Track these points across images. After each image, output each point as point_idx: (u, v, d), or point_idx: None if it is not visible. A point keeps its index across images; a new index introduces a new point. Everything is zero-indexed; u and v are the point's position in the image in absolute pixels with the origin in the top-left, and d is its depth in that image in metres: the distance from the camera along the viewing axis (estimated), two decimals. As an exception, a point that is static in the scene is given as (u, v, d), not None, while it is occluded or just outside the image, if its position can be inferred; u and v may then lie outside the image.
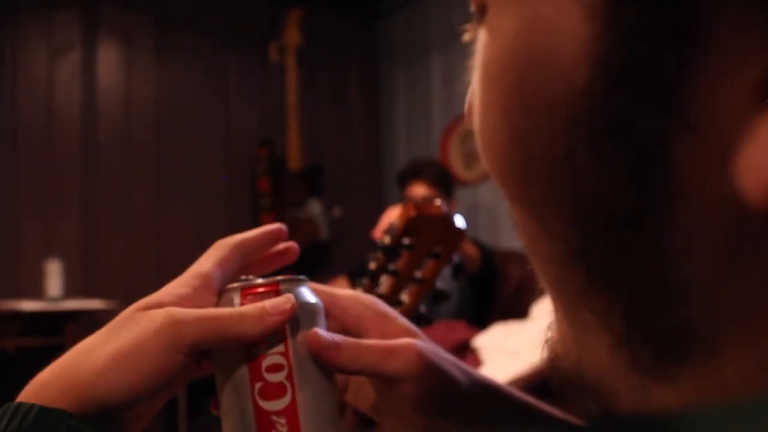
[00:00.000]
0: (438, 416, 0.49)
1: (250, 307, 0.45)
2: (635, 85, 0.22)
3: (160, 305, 0.47)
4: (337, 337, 0.47)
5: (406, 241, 0.82)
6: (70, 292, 3.77)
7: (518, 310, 2.79)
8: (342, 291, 0.54)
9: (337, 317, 0.53)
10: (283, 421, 0.44)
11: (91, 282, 3.94)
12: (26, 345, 3.52)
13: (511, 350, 2.30)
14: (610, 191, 0.24)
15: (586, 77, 0.23)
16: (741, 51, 0.20)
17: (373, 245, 0.91)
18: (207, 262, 0.50)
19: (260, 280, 0.48)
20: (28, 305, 3.48)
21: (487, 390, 0.51)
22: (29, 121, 3.91)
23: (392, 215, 2.26)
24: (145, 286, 3.43)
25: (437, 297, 0.85)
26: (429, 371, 0.48)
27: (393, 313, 0.54)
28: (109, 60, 4.13)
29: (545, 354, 0.32)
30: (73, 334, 3.56)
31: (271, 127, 4.32)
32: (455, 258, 0.87)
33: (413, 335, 0.52)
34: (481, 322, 2.75)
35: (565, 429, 0.17)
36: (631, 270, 0.25)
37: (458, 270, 0.87)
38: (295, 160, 4.09)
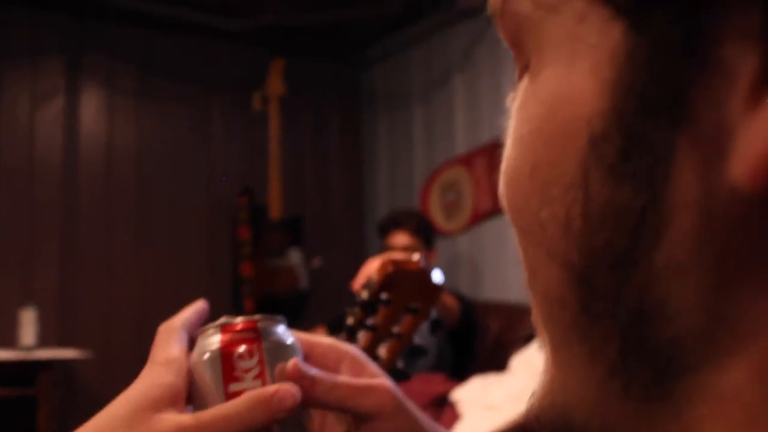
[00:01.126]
0: None
1: (254, 407, 0.46)
2: (648, 108, 0.25)
3: (158, 402, 0.46)
4: (314, 370, 0.49)
5: (383, 296, 0.82)
6: (44, 341, 3.71)
7: (497, 363, 2.78)
8: (321, 338, 0.56)
9: (315, 363, 0.53)
10: None
11: (66, 330, 3.89)
12: (-2, 394, 3.45)
13: (490, 403, 2.28)
14: (619, 206, 0.26)
15: (605, 107, 0.26)
16: (736, 66, 0.23)
17: (352, 297, 0.90)
18: (172, 347, 0.51)
19: (239, 319, 0.49)
20: (1, 354, 3.42)
21: None
22: (10, 166, 3.89)
23: (371, 267, 2.25)
24: (122, 335, 3.38)
25: (415, 352, 0.84)
26: (399, 412, 0.50)
27: (370, 362, 0.55)
28: (91, 106, 4.14)
29: (529, 410, 0.33)
30: (45, 385, 3.50)
31: (253, 176, 4.32)
32: (433, 313, 0.86)
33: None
34: (460, 375, 2.73)
35: None
36: (630, 288, 0.26)
37: (436, 325, 0.87)
38: (275, 209, 4.09)
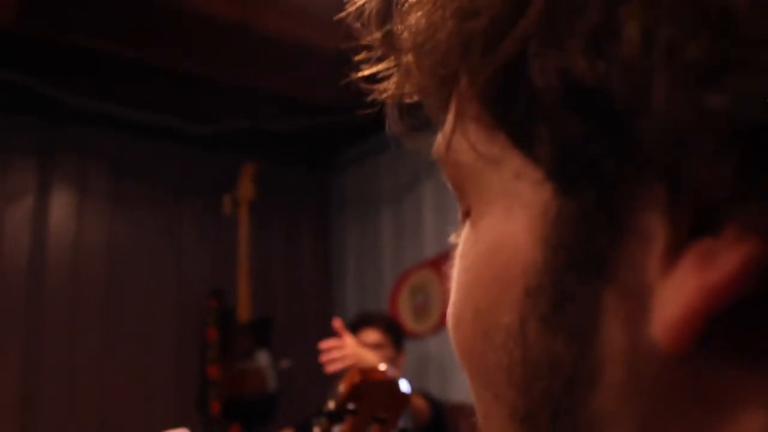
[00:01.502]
0: None
1: None
2: (576, 265, 0.26)
3: None
4: None
5: (350, 405, 0.83)
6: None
7: (468, 468, 2.74)
8: None
9: None
10: None
11: (26, 436, 3.77)
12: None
13: None
14: (554, 357, 0.27)
15: (538, 261, 0.28)
16: (651, 233, 0.24)
17: (321, 399, 0.91)
18: None
19: None
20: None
21: None
22: (-25, 267, 3.85)
23: (347, 341, 2.24)
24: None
25: (382, 462, 0.85)
26: None
27: None
28: (61, 206, 4.13)
29: None
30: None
31: (222, 277, 4.31)
32: (401, 422, 0.87)
33: None
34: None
35: None
36: (573, 431, 0.27)
37: (403, 434, 0.88)
38: (244, 311, 4.07)
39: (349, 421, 0.84)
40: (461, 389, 3.72)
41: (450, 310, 0.34)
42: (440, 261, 3.86)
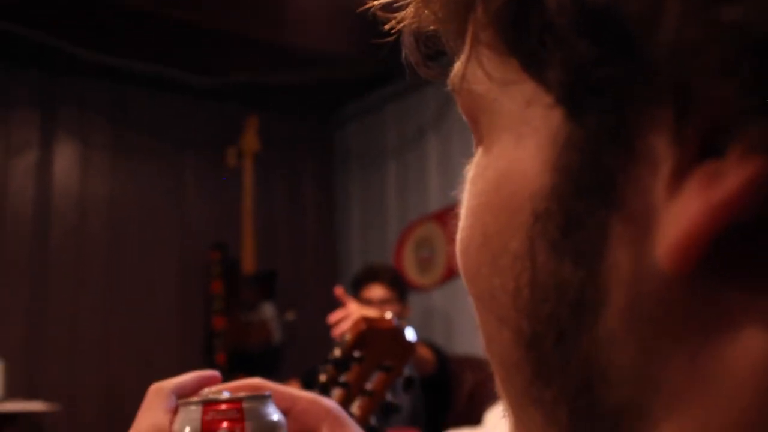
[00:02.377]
0: None
1: None
2: (583, 190, 0.27)
3: None
4: None
5: (356, 353, 0.83)
6: (11, 393, 3.64)
7: (472, 417, 2.77)
8: (302, 394, 0.55)
9: (296, 419, 0.54)
10: None
11: (33, 383, 3.82)
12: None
13: (464, 460, 2.27)
14: (561, 280, 0.27)
15: (546, 186, 0.28)
16: (658, 156, 0.25)
17: (326, 350, 0.91)
18: (159, 413, 0.50)
19: (224, 395, 0.48)
20: (-33, 409, 3.36)
21: None
22: (-20, 220, 3.86)
23: (352, 308, 2.26)
24: (89, 388, 3.34)
25: (387, 410, 0.85)
26: None
27: (350, 421, 0.56)
28: (65, 159, 4.13)
29: None
30: (12, 440, 3.43)
31: (226, 231, 4.32)
32: (406, 370, 0.87)
33: None
34: (435, 429, 2.72)
35: None
36: (575, 357, 0.27)
37: (409, 383, 0.88)
38: (249, 263, 4.09)
39: (355, 369, 0.84)
40: (466, 342, 3.76)
41: (459, 236, 0.34)
42: (445, 214, 3.86)
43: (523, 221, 0.29)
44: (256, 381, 0.54)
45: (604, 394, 0.27)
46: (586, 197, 0.27)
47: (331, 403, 0.56)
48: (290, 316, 4.22)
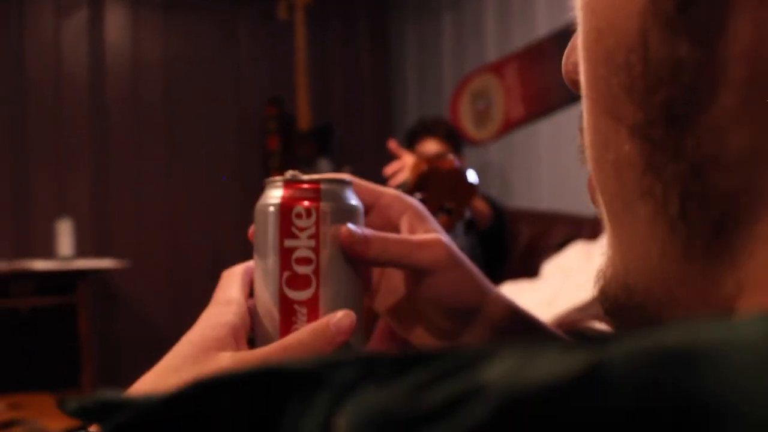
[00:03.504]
0: (458, 316, 0.53)
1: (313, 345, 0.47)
2: None
3: (219, 341, 0.47)
4: (368, 231, 0.50)
5: (418, 196, 0.82)
6: (81, 251, 3.79)
7: (529, 269, 2.79)
8: (386, 189, 0.57)
9: (380, 213, 0.56)
10: (304, 311, 0.48)
11: (102, 241, 3.96)
12: (39, 304, 3.55)
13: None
14: (676, 62, 0.26)
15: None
16: None
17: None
18: (232, 289, 0.52)
19: (305, 177, 0.50)
20: (40, 264, 3.51)
21: (505, 301, 0.56)
22: (37, 80, 3.90)
23: (406, 159, 2.25)
24: (155, 244, 3.46)
25: (449, 252, 0.84)
26: (455, 265, 0.52)
27: (431, 218, 0.57)
28: (116, 19, 4.10)
29: (595, 285, 0.34)
30: (84, 293, 3.59)
31: (281, 86, 4.30)
32: (467, 213, 0.86)
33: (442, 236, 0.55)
34: (492, 281, 2.75)
35: (579, 343, 0.17)
36: (688, 142, 0.27)
37: (470, 226, 0.87)
38: (304, 118, 4.08)
39: (417, 212, 0.83)
40: (522, 196, 3.75)
41: (579, 39, 0.33)
42: (503, 65, 3.76)
43: (638, 6, 0.28)
44: (344, 174, 0.55)
45: (716, 179, 0.27)
46: None
47: (412, 200, 0.57)
48: (347, 171, 4.23)
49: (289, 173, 0.51)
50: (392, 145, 2.32)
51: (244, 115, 4.34)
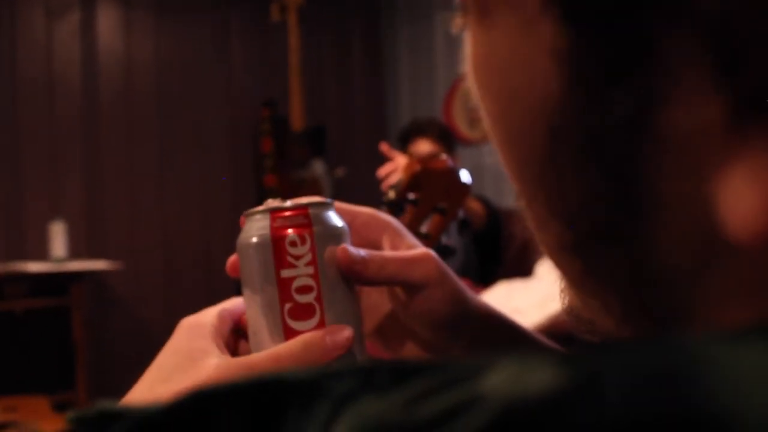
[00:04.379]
0: (446, 328, 0.53)
1: (307, 350, 0.46)
2: (606, 103, 0.23)
3: (203, 350, 0.47)
4: (363, 252, 0.49)
5: (411, 196, 0.82)
6: (74, 253, 3.78)
7: (523, 269, 2.79)
8: (362, 208, 0.57)
9: (357, 232, 0.55)
10: None
11: (95, 242, 3.95)
12: (33, 306, 3.55)
13: (515, 307, 2.30)
14: (589, 199, 0.25)
15: (559, 89, 0.25)
16: (705, 75, 0.21)
17: (376, 206, 0.90)
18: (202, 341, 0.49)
19: (288, 204, 0.49)
20: (34, 266, 3.50)
21: (487, 309, 0.56)
22: (29, 81, 3.89)
23: (399, 161, 2.26)
24: (148, 245, 3.44)
25: (443, 252, 0.84)
26: (445, 279, 0.52)
27: (408, 233, 0.57)
28: (108, 20, 4.09)
29: (563, 301, 0.34)
30: (78, 295, 3.58)
31: (274, 88, 4.29)
32: (461, 214, 0.86)
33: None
34: (486, 281, 2.75)
35: (565, 353, 0.18)
36: (621, 266, 0.26)
37: (464, 225, 0.87)
38: (297, 120, 4.08)
39: (410, 212, 0.83)
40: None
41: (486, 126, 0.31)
42: (495, 66, 3.77)
43: (541, 128, 0.26)
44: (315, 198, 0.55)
45: (654, 295, 0.26)
46: (608, 115, 0.24)
47: (388, 216, 0.57)
48: (340, 172, 4.24)
49: (269, 202, 0.49)
50: (384, 147, 2.32)
51: (237, 117, 4.34)
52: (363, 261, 0.49)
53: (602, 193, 0.25)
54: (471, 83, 0.31)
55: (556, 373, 0.17)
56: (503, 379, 0.17)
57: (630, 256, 0.25)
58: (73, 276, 3.59)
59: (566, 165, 0.26)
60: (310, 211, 0.48)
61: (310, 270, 0.47)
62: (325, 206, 0.49)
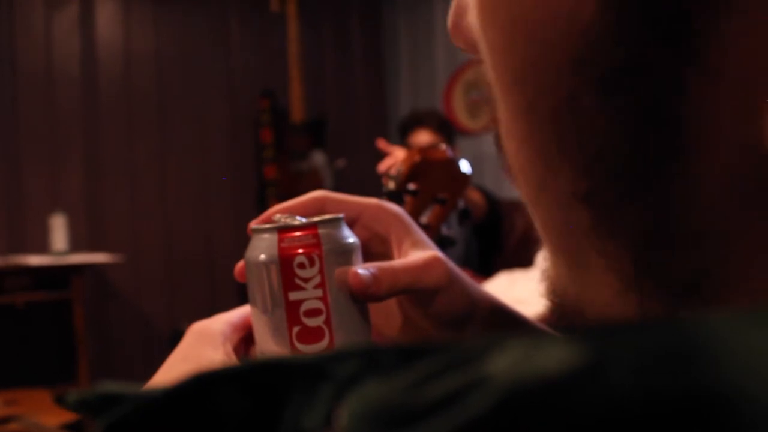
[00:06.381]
0: (455, 325, 0.53)
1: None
2: (649, 27, 0.21)
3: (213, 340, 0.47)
4: (372, 269, 0.48)
5: (411, 186, 0.81)
6: (75, 245, 3.78)
7: (523, 259, 2.79)
8: (368, 200, 0.56)
9: (365, 226, 0.54)
10: None
11: (96, 235, 3.95)
12: (34, 299, 3.55)
13: (516, 297, 2.30)
14: (617, 140, 0.23)
15: (591, 14, 0.22)
16: None
17: (377, 196, 0.90)
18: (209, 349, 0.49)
19: (297, 222, 0.47)
20: (35, 260, 3.50)
21: (492, 300, 0.55)
22: (29, 75, 3.88)
23: (399, 153, 2.25)
24: (149, 238, 3.44)
25: (443, 243, 0.84)
26: (454, 281, 0.51)
27: (413, 223, 0.56)
28: (107, 12, 4.08)
29: (544, 296, 0.32)
30: (79, 288, 3.58)
31: (274, 79, 4.28)
32: (461, 204, 0.85)
33: (429, 246, 0.54)
34: (487, 271, 2.75)
35: (567, 336, 0.17)
36: (642, 217, 0.24)
37: (464, 216, 0.86)
38: (297, 111, 4.07)
39: (410, 203, 0.82)
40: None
41: (488, 68, 0.30)
42: (495, 56, 3.75)
43: (562, 61, 0.24)
44: (319, 194, 0.54)
45: (676, 255, 0.24)
46: (651, 42, 0.22)
47: (395, 207, 0.56)
48: (340, 163, 4.23)
49: (278, 218, 0.48)
50: (381, 143, 2.32)
51: (236, 108, 4.33)
52: (375, 280, 0.47)
53: (630, 133, 0.23)
54: (473, 13, 0.29)
55: (564, 354, 0.16)
56: (510, 361, 0.17)
57: (654, 207, 0.24)
58: (74, 269, 3.59)
59: (587, 103, 0.24)
60: (320, 230, 0.47)
61: (319, 293, 0.46)
62: (334, 222, 0.48)
